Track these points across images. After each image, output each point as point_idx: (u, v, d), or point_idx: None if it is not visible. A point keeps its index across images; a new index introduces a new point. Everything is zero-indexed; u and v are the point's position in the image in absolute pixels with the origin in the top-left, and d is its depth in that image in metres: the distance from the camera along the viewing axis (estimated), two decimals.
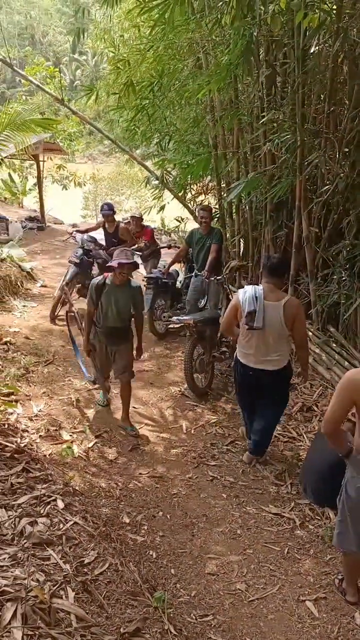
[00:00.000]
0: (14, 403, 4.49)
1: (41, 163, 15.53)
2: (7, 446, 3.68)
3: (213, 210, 6.74)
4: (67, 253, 13.08)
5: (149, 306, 6.67)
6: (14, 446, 3.69)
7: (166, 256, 8.32)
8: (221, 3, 5.72)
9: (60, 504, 3.10)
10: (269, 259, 4.15)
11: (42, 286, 8.92)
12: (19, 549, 2.54)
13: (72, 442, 4.42)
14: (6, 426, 3.93)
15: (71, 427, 4.67)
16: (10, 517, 2.80)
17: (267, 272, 4.01)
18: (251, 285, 4.02)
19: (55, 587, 2.30)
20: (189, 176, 6.89)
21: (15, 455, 3.59)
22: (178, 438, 4.83)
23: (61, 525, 2.90)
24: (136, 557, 3.22)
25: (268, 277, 3.98)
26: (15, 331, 6.38)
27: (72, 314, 5.60)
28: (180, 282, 7.41)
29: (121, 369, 4.74)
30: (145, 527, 3.58)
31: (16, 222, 14.20)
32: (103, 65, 57.82)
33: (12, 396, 4.82)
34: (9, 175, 18.32)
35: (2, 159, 10.12)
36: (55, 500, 3.14)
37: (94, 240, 7.53)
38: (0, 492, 3.06)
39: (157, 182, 8.67)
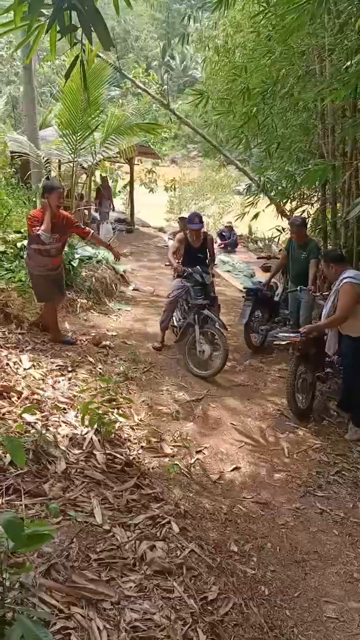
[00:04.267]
0: (122, 412, 4.43)
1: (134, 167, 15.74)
2: (116, 457, 3.61)
3: (305, 221, 6.46)
4: (154, 256, 13.21)
5: (246, 318, 6.47)
6: (123, 458, 3.61)
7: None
8: (351, 7, 5.45)
9: (175, 528, 2.97)
10: (331, 253, 5.29)
11: (134, 289, 8.95)
12: (142, 577, 2.42)
13: (173, 455, 4.30)
14: (113, 436, 3.86)
15: (171, 440, 4.55)
16: (130, 538, 2.69)
17: (344, 262, 5.03)
18: (352, 272, 4.82)
19: (186, 628, 2.15)
20: (304, 185, 6.61)
21: (126, 469, 3.51)
22: (280, 461, 4.60)
23: (178, 552, 2.77)
24: (248, 592, 3.02)
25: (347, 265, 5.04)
26: (112, 335, 6.37)
27: None
28: (278, 295, 7.16)
29: None
30: (255, 559, 3.37)
31: (106, 223, 14.46)
32: (191, 70, 58.46)
33: (113, 402, 4.77)
34: (102, 177, 18.74)
35: (100, 161, 10.28)
36: (169, 522, 3.01)
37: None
38: (117, 508, 2.97)
39: (256, 189, 8.45)
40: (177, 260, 6.37)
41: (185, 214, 9.06)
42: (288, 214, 8.59)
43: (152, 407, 5.01)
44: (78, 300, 6.94)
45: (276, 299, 7.10)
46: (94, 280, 7.57)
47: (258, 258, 8.71)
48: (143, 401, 5.06)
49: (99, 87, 7.57)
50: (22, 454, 2.42)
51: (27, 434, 3.39)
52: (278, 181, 8.08)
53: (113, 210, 16.29)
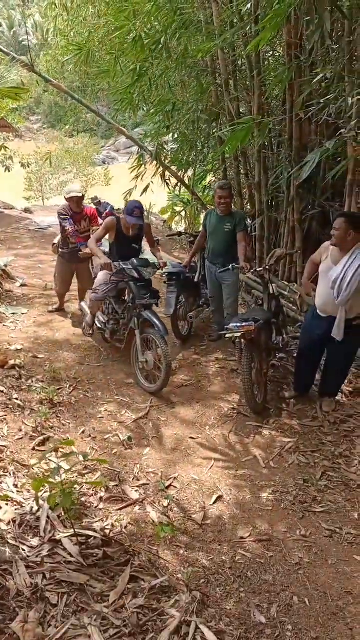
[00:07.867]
0: (87, 476, 3.41)
1: None
2: (89, 537, 2.65)
3: (232, 186, 5.71)
4: (27, 242, 11.72)
5: (173, 307, 5.64)
6: (98, 536, 2.66)
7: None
8: None
9: (210, 635, 2.14)
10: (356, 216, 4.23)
11: (22, 285, 7.63)
12: None
13: (142, 501, 3.42)
14: (75, 504, 2.87)
15: (133, 479, 3.66)
16: None
17: None
18: None
19: None
20: (226, 149, 5.80)
21: (107, 551, 2.57)
22: (259, 474, 3.92)
23: None
24: None
25: None
26: (17, 349, 5.19)
27: None
28: (196, 276, 6.40)
29: None
30: (289, 627, 2.66)
31: None
32: (22, 37, 53.94)
33: (49, 444, 3.74)
34: None
35: None
36: (198, 628, 2.17)
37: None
38: (127, 632, 2.06)
39: (149, 157, 7.54)
40: (100, 248, 5.23)
41: (98, 194, 7.94)
42: (186, 182, 7.83)
43: (95, 438, 4.05)
44: None
45: (196, 280, 6.35)
46: None
47: (167, 236, 7.86)
48: (82, 432, 4.07)
49: None
50: None
51: None
52: (175, 147, 7.24)
53: None
